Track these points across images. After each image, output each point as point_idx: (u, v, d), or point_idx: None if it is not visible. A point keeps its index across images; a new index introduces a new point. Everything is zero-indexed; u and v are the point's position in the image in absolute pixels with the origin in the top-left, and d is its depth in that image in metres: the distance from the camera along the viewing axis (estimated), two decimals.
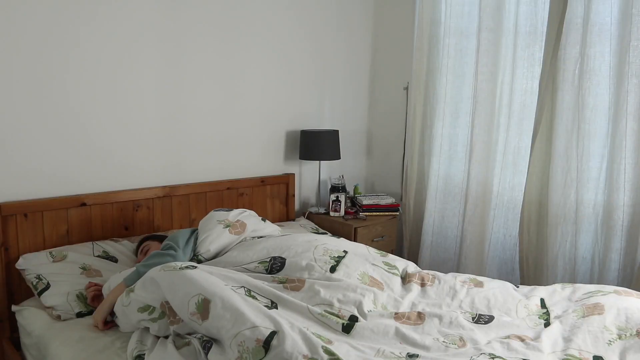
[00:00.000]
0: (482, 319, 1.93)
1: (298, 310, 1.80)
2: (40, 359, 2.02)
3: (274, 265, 2.07)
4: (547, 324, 1.91)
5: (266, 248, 2.16)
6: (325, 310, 1.84)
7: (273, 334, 1.52)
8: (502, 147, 3.05)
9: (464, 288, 2.14)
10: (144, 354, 1.70)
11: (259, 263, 2.08)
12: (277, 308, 1.78)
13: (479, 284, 2.18)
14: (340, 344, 1.64)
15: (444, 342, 1.76)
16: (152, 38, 2.66)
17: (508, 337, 1.80)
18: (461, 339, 1.79)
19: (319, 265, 2.06)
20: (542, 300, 2.09)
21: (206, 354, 1.59)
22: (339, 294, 1.92)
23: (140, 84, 2.66)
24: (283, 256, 2.11)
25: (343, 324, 1.78)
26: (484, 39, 3.02)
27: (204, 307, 1.63)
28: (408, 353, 1.66)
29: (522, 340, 1.77)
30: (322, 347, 1.50)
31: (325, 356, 1.46)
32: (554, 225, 2.80)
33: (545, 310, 2.01)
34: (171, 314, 1.74)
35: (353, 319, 1.82)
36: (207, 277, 1.77)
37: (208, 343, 1.61)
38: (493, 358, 1.62)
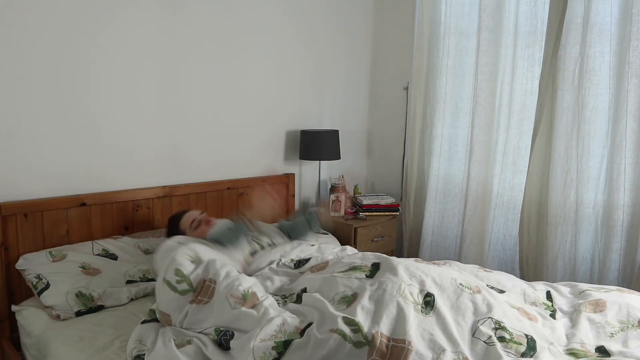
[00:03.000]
0: (494, 290, 1.94)
1: (322, 276, 1.91)
2: (40, 359, 2.02)
3: (301, 262, 2.25)
4: (552, 315, 1.91)
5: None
6: (350, 266, 1.93)
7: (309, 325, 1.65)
8: (502, 147, 3.05)
9: (473, 271, 2.15)
10: (144, 354, 1.70)
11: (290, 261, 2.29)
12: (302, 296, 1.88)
13: (487, 271, 2.19)
14: (360, 309, 1.66)
15: (460, 284, 1.81)
16: (152, 38, 2.67)
17: (518, 309, 1.81)
18: (477, 286, 1.83)
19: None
20: (547, 293, 2.09)
21: (227, 341, 1.65)
22: (358, 259, 2.03)
23: (140, 84, 2.66)
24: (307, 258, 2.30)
25: (366, 274, 1.86)
26: (484, 38, 3.02)
27: (251, 299, 1.77)
28: (427, 293, 1.72)
29: (530, 319, 1.78)
30: (342, 317, 1.60)
31: (346, 327, 1.55)
32: (553, 225, 2.80)
33: (550, 303, 2.02)
34: (203, 293, 1.82)
35: (375, 266, 1.91)
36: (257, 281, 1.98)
37: (228, 331, 1.67)
38: (497, 328, 1.63)
